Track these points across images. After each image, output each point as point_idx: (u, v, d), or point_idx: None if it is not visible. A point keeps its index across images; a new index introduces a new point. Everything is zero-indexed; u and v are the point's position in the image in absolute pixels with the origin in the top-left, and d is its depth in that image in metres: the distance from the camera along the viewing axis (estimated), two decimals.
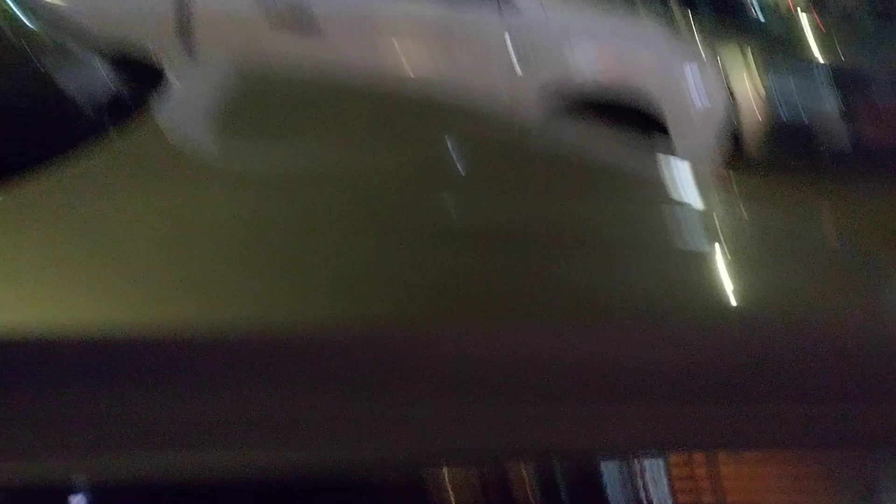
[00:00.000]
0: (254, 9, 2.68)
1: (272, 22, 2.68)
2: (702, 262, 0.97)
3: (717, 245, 1.06)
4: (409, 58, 2.88)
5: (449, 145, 1.31)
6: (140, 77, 1.32)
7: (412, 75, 2.84)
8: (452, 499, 0.63)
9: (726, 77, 4.85)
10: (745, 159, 3.95)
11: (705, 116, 3.12)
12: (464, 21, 2.90)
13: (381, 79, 1.70)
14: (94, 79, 1.27)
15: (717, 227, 1.15)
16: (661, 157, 1.47)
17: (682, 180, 1.39)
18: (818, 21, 5.30)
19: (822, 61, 4.33)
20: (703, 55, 3.22)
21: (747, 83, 4.60)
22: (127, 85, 1.27)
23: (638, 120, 3.04)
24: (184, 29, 2.61)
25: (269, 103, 1.42)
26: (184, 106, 1.25)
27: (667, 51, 3.11)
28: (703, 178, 1.36)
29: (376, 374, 0.64)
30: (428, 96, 1.65)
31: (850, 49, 4.55)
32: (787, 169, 3.96)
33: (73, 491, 0.58)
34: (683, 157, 2.98)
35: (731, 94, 4.79)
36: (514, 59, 2.90)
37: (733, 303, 0.86)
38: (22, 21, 1.33)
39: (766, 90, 4.20)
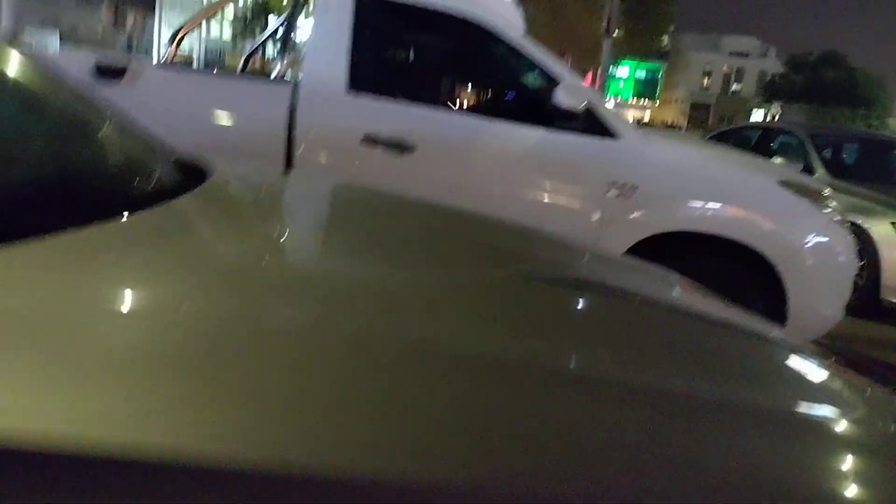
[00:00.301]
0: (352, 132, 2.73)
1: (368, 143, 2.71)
2: (821, 445, 0.83)
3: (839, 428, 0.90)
4: (502, 183, 2.80)
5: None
6: (186, 173, 1.32)
7: (504, 201, 2.75)
8: None
9: (867, 230, 4.54)
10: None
11: (825, 273, 2.86)
12: (561, 149, 2.82)
13: (474, 211, 1.67)
14: (143, 162, 1.28)
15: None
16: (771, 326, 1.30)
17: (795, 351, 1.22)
18: None
19: None
20: (830, 209, 2.96)
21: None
22: (169, 176, 1.27)
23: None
24: (287, 147, 2.69)
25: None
26: (213, 205, 1.22)
27: (781, 202, 2.88)
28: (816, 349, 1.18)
29: None
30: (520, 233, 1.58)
31: None
32: None
33: None
34: (797, 311, 2.77)
35: (874, 246, 4.47)
36: (610, 192, 2.78)
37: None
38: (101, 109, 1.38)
39: None
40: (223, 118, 2.63)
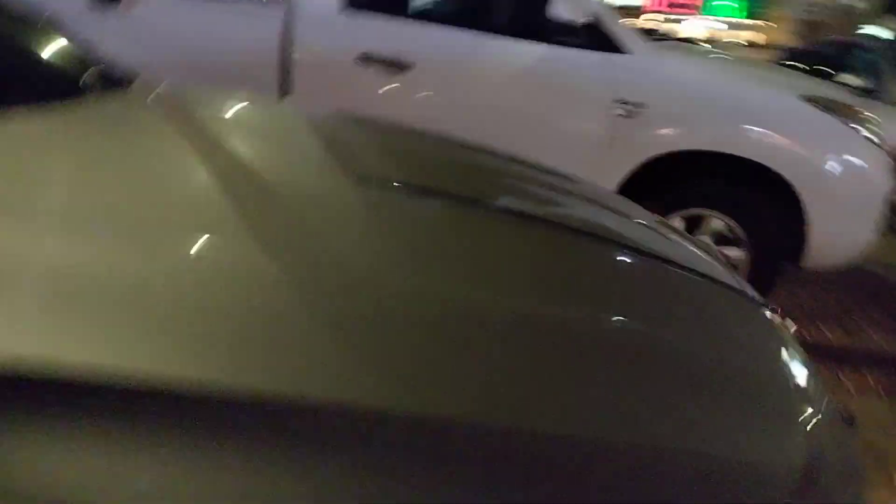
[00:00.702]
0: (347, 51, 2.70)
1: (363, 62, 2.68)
2: None
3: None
4: (500, 101, 2.73)
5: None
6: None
7: (502, 119, 2.69)
8: None
9: None
10: None
11: (851, 195, 2.68)
12: (562, 64, 2.71)
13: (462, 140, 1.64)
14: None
15: None
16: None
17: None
18: None
19: None
20: (862, 126, 2.73)
21: None
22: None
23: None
24: (283, 70, 2.70)
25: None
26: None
27: (802, 119, 2.69)
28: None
29: None
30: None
31: None
32: None
33: None
34: (820, 236, 2.62)
35: None
36: (615, 111, 2.68)
37: None
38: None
39: None
40: (218, 42, 2.68)
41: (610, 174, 2.69)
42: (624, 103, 2.64)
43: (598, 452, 0.64)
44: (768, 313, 1.13)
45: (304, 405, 0.56)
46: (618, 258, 1.15)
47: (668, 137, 2.67)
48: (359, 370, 0.63)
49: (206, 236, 0.80)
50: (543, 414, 0.65)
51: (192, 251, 0.77)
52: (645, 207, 1.63)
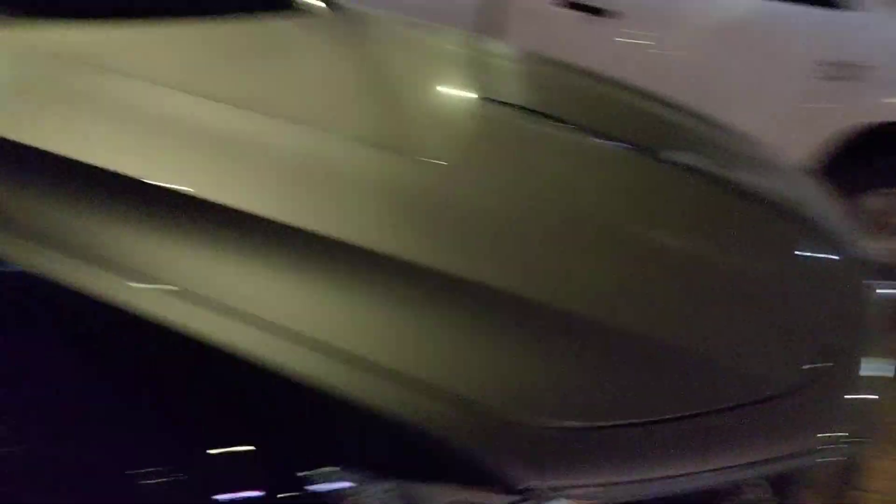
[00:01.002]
0: None
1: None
2: None
3: None
4: (694, 53, 2.64)
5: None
6: None
7: (694, 72, 2.59)
8: None
9: None
10: None
11: None
12: (767, 17, 2.58)
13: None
14: None
15: None
16: None
17: None
18: None
19: None
20: None
21: None
22: None
23: None
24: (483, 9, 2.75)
25: None
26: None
27: None
28: None
29: None
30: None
31: None
32: None
33: None
34: None
35: None
36: (818, 73, 2.52)
37: None
38: None
39: None
40: None
41: (810, 140, 2.55)
42: (828, 65, 2.49)
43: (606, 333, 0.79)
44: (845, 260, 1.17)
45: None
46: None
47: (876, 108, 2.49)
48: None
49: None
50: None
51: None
52: (843, 182, 1.66)
